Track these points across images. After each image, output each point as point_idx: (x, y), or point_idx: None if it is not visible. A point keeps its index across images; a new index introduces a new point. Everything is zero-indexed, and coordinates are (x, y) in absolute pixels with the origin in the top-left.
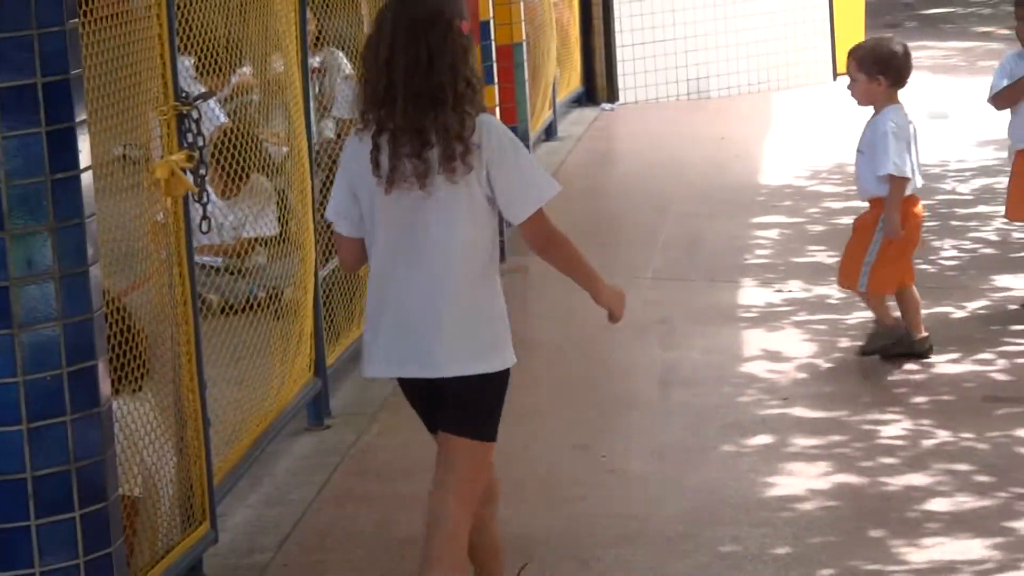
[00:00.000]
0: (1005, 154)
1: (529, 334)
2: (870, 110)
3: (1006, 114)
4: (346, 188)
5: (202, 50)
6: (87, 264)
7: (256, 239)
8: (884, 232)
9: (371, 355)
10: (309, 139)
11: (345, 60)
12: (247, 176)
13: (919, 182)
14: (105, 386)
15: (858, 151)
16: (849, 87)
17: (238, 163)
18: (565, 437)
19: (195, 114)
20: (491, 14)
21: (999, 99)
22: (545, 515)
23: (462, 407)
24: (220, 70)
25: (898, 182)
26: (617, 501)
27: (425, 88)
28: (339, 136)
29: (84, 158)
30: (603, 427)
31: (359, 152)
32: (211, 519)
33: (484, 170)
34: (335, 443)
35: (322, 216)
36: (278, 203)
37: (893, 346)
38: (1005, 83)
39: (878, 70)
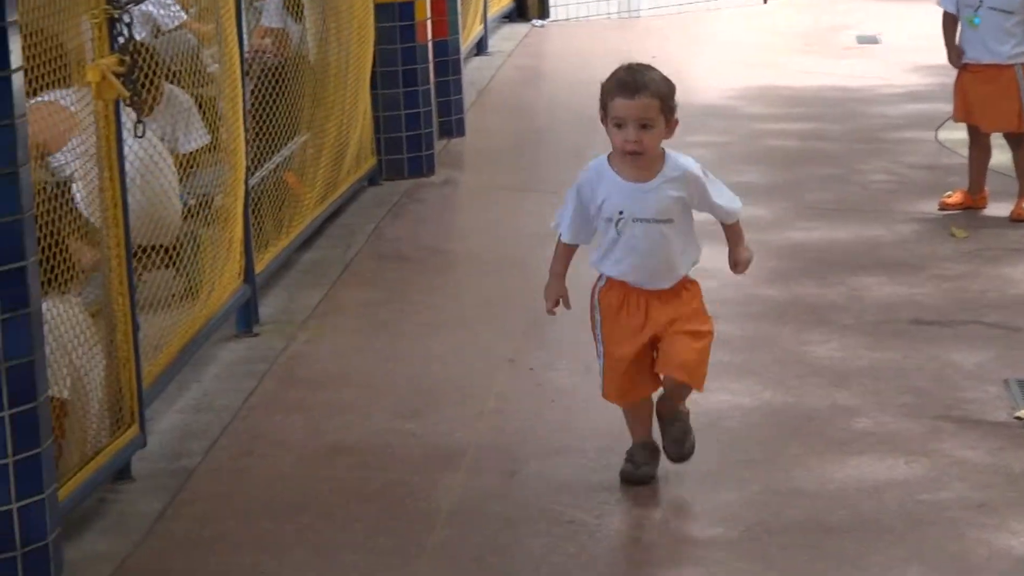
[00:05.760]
0: (932, 79)
1: (455, 247)
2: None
3: (937, 40)
4: None
5: None
6: (17, 165)
7: (193, 153)
8: None
9: None
10: (241, 46)
11: None
12: (159, 90)
13: None
14: (35, 287)
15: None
16: None
17: (147, 78)
18: (491, 349)
19: (127, 18)
20: None
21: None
22: (470, 426)
23: None
24: None
25: None
26: (543, 414)
27: None
28: (275, 45)
29: (16, 59)
30: (531, 340)
31: None
32: (140, 423)
33: None
34: (264, 350)
35: (253, 122)
36: (205, 111)
37: None
38: None
39: None
